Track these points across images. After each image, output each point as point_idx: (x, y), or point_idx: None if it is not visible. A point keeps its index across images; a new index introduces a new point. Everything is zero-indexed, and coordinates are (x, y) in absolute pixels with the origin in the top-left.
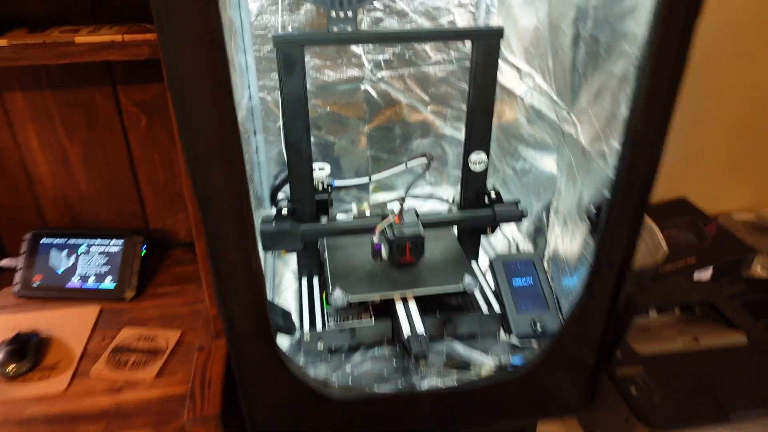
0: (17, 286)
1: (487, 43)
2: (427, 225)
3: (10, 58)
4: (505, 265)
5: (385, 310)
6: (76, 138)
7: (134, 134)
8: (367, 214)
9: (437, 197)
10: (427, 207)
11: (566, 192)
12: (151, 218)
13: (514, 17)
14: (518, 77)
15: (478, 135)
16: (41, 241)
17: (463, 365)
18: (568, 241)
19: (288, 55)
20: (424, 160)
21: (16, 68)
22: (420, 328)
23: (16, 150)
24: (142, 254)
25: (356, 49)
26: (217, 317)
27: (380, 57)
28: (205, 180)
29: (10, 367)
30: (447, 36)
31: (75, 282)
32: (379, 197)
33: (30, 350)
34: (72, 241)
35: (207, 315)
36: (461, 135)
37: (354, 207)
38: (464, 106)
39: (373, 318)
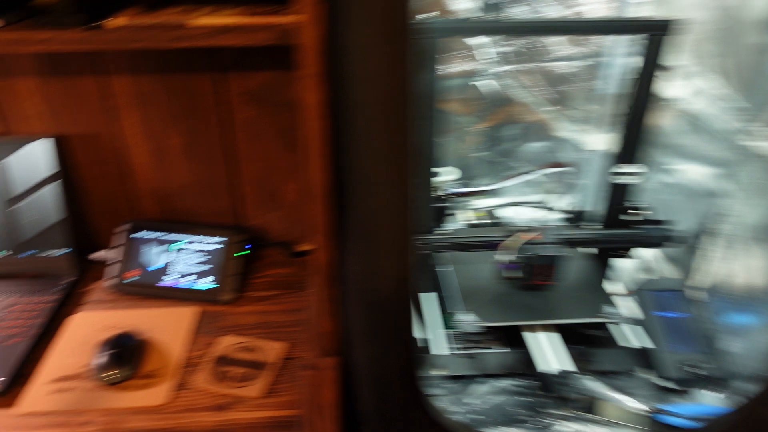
0: (111, 280)
1: (661, 38)
2: (565, 244)
3: (127, 39)
4: (652, 295)
5: (511, 337)
6: (178, 126)
7: (239, 125)
8: (479, 221)
9: (547, 206)
10: (532, 215)
11: (740, 212)
12: (248, 215)
13: (672, 6)
14: (673, 78)
15: (631, 143)
16: (136, 234)
17: (603, 406)
18: (738, 268)
19: (422, 47)
20: (561, 169)
21: (126, 50)
22: (562, 364)
23: (116, 136)
24: (245, 254)
25: (469, 40)
26: (330, 334)
27: (495, 50)
28: (369, 197)
29: (111, 374)
30: (611, 28)
31: (170, 279)
32: (481, 203)
33: (130, 355)
34: (170, 235)
35: (314, 328)
36: (581, 137)
37: (463, 215)
38: (589, 107)
39: (506, 347)
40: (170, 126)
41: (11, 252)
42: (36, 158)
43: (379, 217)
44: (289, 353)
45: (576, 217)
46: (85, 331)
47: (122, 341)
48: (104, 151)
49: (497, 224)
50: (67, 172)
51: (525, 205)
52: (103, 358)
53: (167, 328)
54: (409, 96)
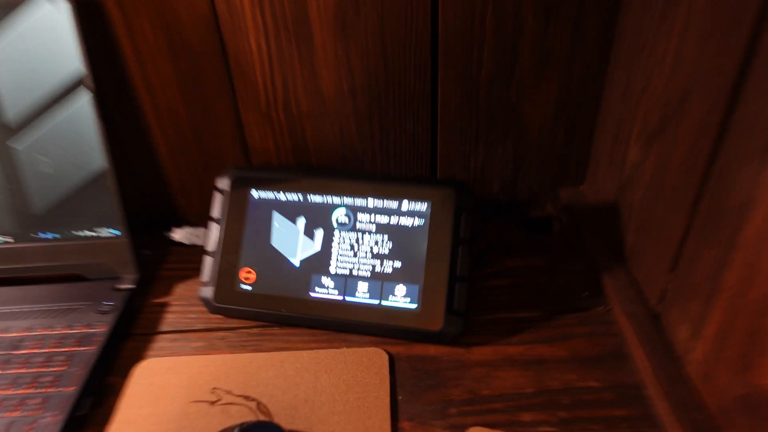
0: (206, 289)
1: None
2: None
3: None
4: None
5: None
6: None
7: None
8: None
9: None
10: None
11: None
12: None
13: None
14: None
15: None
16: (255, 194)
17: None
18: None
19: None
20: None
21: None
22: None
23: None
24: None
25: None
26: None
27: None
28: None
29: None
30: None
31: (325, 289)
32: None
33: None
34: (325, 199)
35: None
36: None
37: None
38: None
39: None
40: None
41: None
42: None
43: None
44: None
45: None
46: (164, 405)
47: None
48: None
49: None
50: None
51: None
52: None
53: (339, 400)
54: None
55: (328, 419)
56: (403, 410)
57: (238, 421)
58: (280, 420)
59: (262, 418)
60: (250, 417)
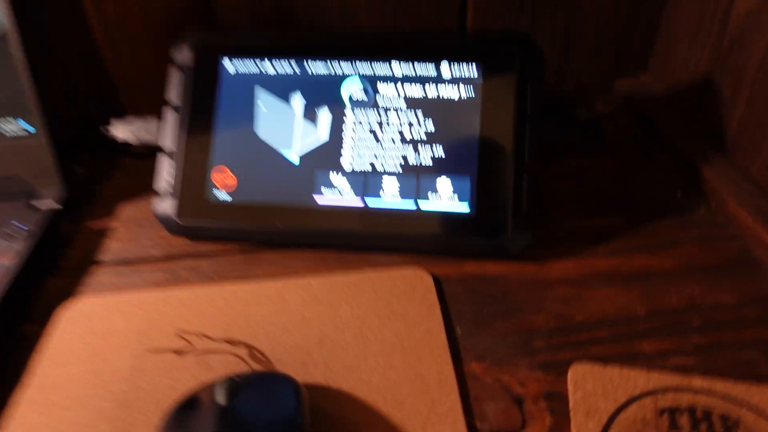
0: (163, 202)
1: None
2: None
3: None
4: None
5: None
6: None
7: None
8: None
9: None
10: None
11: None
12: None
13: None
14: None
15: None
16: (229, 70)
17: None
18: None
19: None
20: None
21: None
22: None
23: None
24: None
25: None
26: None
27: None
28: None
29: None
30: None
31: (336, 193)
32: None
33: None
34: (328, 65)
35: None
36: None
37: None
38: None
39: None
40: None
41: None
42: None
43: None
44: None
45: None
46: (107, 359)
47: (249, 402)
48: None
49: None
50: None
51: None
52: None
53: (372, 338)
54: None
55: (358, 365)
56: (466, 347)
57: (223, 374)
58: (286, 370)
59: (258, 368)
60: (241, 368)
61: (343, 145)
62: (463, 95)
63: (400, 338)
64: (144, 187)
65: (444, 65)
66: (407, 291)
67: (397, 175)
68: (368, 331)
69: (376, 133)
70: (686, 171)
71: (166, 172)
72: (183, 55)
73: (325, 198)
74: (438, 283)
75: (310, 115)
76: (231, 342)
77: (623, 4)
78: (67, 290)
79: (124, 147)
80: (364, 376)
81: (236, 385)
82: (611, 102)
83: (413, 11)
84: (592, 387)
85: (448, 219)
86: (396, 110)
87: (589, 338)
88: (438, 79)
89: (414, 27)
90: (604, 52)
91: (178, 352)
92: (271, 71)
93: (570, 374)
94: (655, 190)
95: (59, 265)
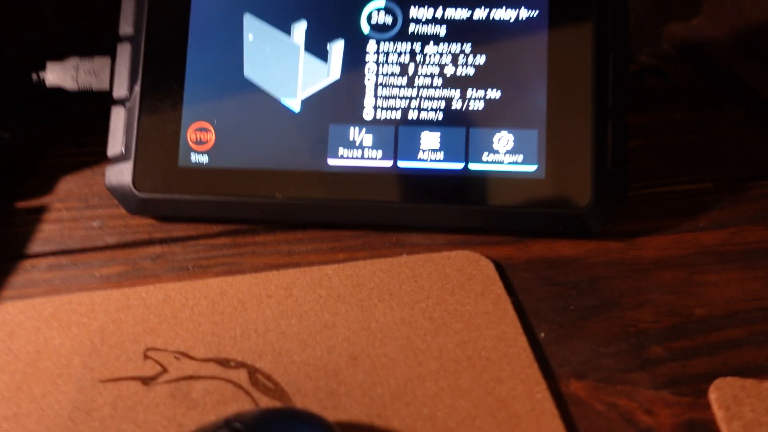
0: (124, 164)
1: None
2: None
3: None
4: None
5: None
6: None
7: None
8: None
9: None
10: None
11: None
12: None
13: None
14: None
15: None
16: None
17: None
18: None
19: None
20: None
21: None
22: None
23: None
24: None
25: None
26: None
27: None
28: None
29: None
30: None
31: (371, 153)
32: None
33: None
34: None
35: None
36: None
37: None
38: None
39: None
40: None
41: None
42: None
43: None
44: None
45: None
46: (39, 394)
47: None
48: None
49: None
50: None
51: None
52: None
53: (426, 350)
54: None
55: (412, 391)
56: (557, 359)
57: (213, 414)
58: (308, 403)
59: (266, 404)
60: (241, 404)
61: (365, 88)
62: (524, 17)
63: (465, 349)
64: (93, 154)
65: None
66: (462, 282)
67: (440, 126)
68: (419, 341)
69: (407, 70)
70: None
71: (119, 127)
72: None
73: (342, 159)
74: (500, 269)
75: (316, 47)
76: (222, 362)
77: None
78: None
79: (63, 97)
80: (421, 408)
81: None
82: (660, 51)
83: None
84: (752, 413)
85: (508, 184)
86: (434, 40)
87: (723, 340)
88: None
89: None
90: None
91: (144, 381)
92: None
93: (713, 394)
94: (739, 148)
95: None
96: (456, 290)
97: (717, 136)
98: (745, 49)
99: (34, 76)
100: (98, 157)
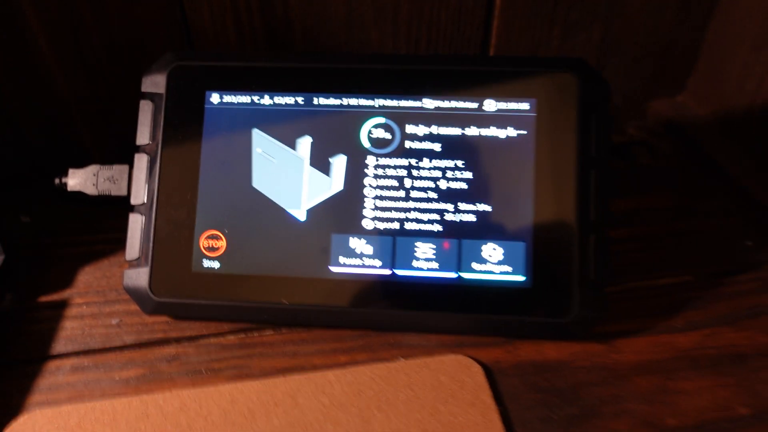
0: (141, 269)
1: None
2: None
3: None
4: None
5: None
6: None
7: None
8: None
9: None
10: None
11: None
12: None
13: None
14: None
15: None
16: (215, 102)
17: None
18: None
19: None
20: None
21: None
22: None
23: None
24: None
25: None
26: None
27: None
28: None
29: None
30: None
31: (356, 262)
32: None
33: None
34: (340, 101)
35: None
36: None
37: None
38: None
39: None
40: None
41: None
42: None
43: None
44: None
45: None
46: None
47: None
48: None
49: None
50: None
51: None
52: None
53: None
54: None
55: None
56: None
57: None
58: None
59: None
60: None
61: (364, 201)
62: (513, 136)
63: None
64: (108, 241)
65: (489, 102)
66: (455, 390)
67: (433, 237)
68: None
69: (404, 183)
70: (753, 212)
71: (137, 233)
72: (156, 82)
73: (343, 266)
74: (489, 373)
75: (320, 162)
76: None
77: (668, 13)
78: (7, 400)
79: (82, 200)
80: None
81: None
82: (645, 126)
83: (429, 21)
84: None
85: (498, 291)
86: (429, 155)
87: None
88: (482, 116)
89: (432, 38)
90: (641, 67)
91: None
92: (268, 104)
93: None
94: (717, 238)
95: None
96: (449, 399)
97: (700, 224)
98: (727, 132)
99: (57, 181)
100: (114, 245)
